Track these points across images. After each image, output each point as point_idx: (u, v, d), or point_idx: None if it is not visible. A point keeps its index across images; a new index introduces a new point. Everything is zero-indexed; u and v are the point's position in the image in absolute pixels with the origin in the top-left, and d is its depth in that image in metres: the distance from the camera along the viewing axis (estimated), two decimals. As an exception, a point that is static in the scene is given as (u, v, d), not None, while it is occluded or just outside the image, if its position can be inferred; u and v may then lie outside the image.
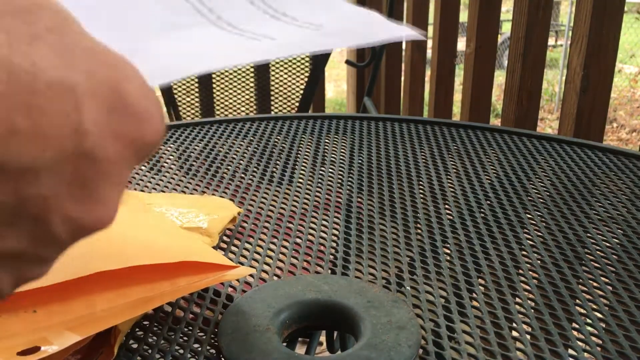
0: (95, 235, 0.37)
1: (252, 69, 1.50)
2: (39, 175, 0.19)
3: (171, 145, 0.72)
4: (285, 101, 1.51)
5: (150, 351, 0.35)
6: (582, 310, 0.39)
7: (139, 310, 0.35)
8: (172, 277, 0.36)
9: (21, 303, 0.32)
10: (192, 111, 1.51)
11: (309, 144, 0.73)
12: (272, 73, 1.50)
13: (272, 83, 1.50)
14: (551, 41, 7.35)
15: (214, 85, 1.50)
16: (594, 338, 0.37)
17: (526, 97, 1.36)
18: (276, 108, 1.52)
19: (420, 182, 0.62)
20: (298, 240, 0.49)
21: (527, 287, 0.42)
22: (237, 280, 0.42)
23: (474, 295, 0.42)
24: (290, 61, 1.48)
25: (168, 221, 0.47)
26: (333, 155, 0.68)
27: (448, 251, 0.48)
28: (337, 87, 5.55)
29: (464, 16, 1.73)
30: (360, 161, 0.67)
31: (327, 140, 0.74)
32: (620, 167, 0.65)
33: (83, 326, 0.32)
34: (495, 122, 3.61)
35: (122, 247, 0.38)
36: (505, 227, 0.52)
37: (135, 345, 0.36)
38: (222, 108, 1.52)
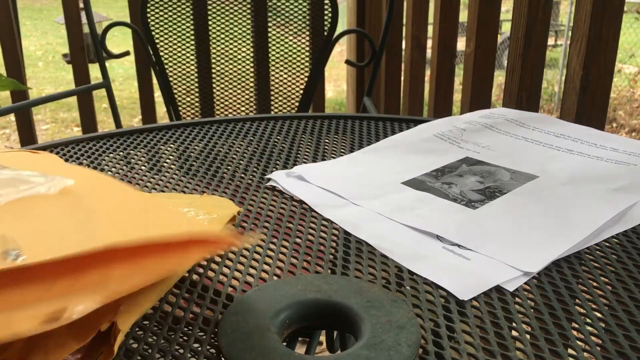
0: (105, 213, 0.38)
1: (251, 69, 1.50)
2: None
3: (171, 145, 0.72)
4: (285, 101, 1.51)
5: (150, 351, 0.35)
6: (581, 310, 0.39)
7: (154, 277, 0.34)
8: (180, 249, 0.36)
9: (37, 276, 0.32)
10: (192, 111, 1.51)
11: (309, 144, 0.73)
12: (272, 73, 1.50)
13: (272, 83, 1.50)
14: (551, 41, 7.35)
15: (214, 85, 1.50)
16: (593, 338, 0.37)
17: (526, 97, 1.36)
18: (276, 108, 1.52)
19: (420, 182, 0.62)
20: (298, 240, 0.49)
21: (527, 287, 0.42)
22: (237, 280, 0.42)
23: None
24: (290, 61, 1.48)
25: (169, 204, 0.47)
26: (333, 155, 0.68)
27: (448, 251, 0.48)
28: (337, 87, 5.54)
29: (464, 16, 1.73)
30: (360, 161, 0.67)
31: (327, 140, 0.74)
32: (620, 167, 0.65)
33: (102, 293, 0.32)
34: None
35: (131, 225, 0.38)
36: (505, 227, 0.52)
37: (135, 345, 0.36)
38: (222, 108, 1.52)
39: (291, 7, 1.45)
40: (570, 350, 0.36)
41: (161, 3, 1.41)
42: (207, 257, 0.38)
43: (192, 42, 1.46)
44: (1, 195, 0.40)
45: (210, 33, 1.46)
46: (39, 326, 0.29)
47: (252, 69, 1.50)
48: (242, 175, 0.63)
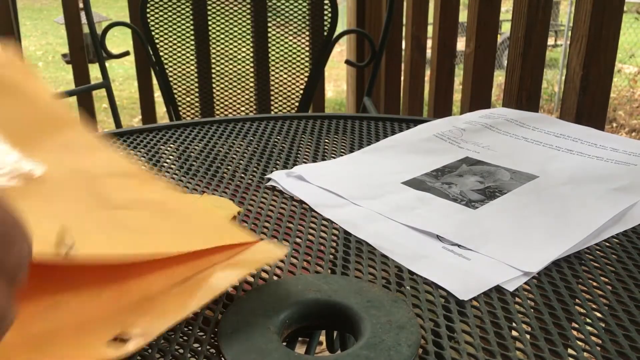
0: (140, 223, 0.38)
1: (251, 69, 1.50)
2: None
3: (171, 145, 0.72)
4: (285, 101, 1.51)
5: (150, 351, 0.35)
6: (581, 310, 0.39)
7: (196, 301, 0.36)
8: (207, 255, 0.39)
9: (85, 285, 0.33)
10: (192, 111, 1.51)
11: (309, 144, 0.73)
12: (272, 73, 1.50)
13: (272, 83, 1.50)
14: (551, 41, 7.35)
15: (214, 85, 1.50)
16: (593, 338, 0.37)
17: (526, 97, 1.36)
18: (276, 108, 1.52)
19: (420, 182, 0.62)
20: (298, 240, 0.49)
21: (527, 287, 0.42)
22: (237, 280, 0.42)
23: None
24: (290, 61, 1.48)
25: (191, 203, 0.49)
26: (333, 155, 0.68)
27: (448, 251, 0.48)
28: (337, 87, 5.54)
29: (463, 16, 1.72)
30: (360, 161, 0.67)
31: (327, 140, 0.74)
32: (619, 167, 0.64)
33: (158, 321, 0.34)
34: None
35: (164, 236, 0.41)
36: (505, 227, 0.52)
37: (135, 345, 0.36)
38: (222, 108, 1.52)
39: (291, 7, 1.45)
40: (570, 350, 0.36)
41: (161, 3, 1.41)
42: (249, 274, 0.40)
43: (192, 42, 1.46)
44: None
45: (210, 33, 1.46)
46: (107, 352, 0.30)
47: (252, 69, 1.50)
48: (242, 175, 0.63)
